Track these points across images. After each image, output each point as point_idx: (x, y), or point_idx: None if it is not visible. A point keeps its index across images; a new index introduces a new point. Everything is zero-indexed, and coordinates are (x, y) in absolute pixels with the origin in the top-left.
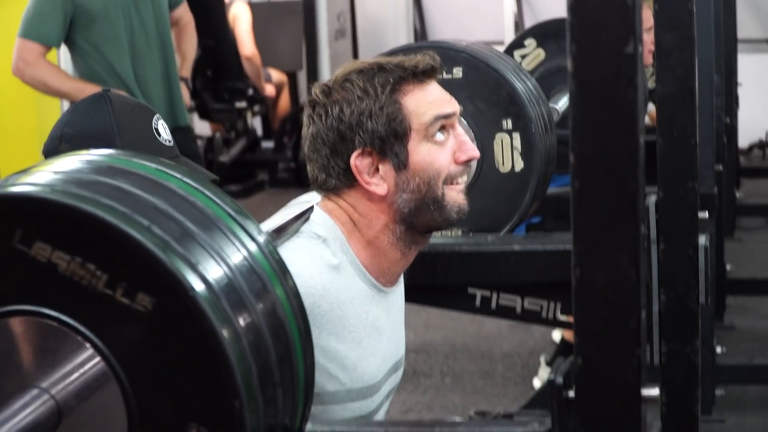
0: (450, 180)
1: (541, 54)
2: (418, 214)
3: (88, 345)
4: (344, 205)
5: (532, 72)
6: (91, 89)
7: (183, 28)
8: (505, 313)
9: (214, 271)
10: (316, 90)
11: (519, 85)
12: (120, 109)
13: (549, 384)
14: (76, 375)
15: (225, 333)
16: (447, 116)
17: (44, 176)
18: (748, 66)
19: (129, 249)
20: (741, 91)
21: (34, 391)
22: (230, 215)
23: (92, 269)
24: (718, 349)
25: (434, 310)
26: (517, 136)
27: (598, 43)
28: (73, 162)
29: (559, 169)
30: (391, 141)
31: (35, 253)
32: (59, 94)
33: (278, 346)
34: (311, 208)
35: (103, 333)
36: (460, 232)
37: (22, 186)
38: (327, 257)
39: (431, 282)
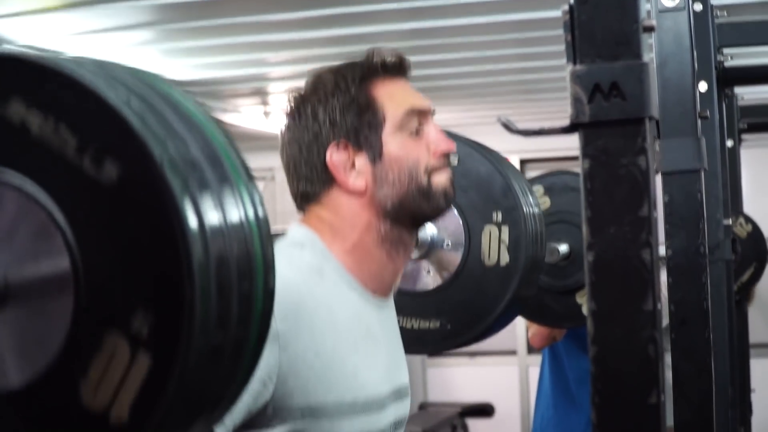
0: (433, 170)
1: (546, 202)
2: (403, 207)
3: (44, 215)
4: (323, 213)
5: None
6: None
7: None
8: None
9: (185, 155)
10: (289, 96)
11: (513, 180)
12: None
13: None
14: (29, 250)
15: (190, 216)
16: (422, 111)
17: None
18: (759, 370)
19: (104, 113)
20: (754, 397)
21: None
22: (220, 140)
23: (63, 130)
24: None
25: None
26: (506, 229)
27: (622, 394)
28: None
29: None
30: (365, 132)
31: (11, 112)
32: None
33: (240, 257)
34: (286, 230)
35: (64, 204)
36: (438, 324)
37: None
38: (308, 260)
39: None
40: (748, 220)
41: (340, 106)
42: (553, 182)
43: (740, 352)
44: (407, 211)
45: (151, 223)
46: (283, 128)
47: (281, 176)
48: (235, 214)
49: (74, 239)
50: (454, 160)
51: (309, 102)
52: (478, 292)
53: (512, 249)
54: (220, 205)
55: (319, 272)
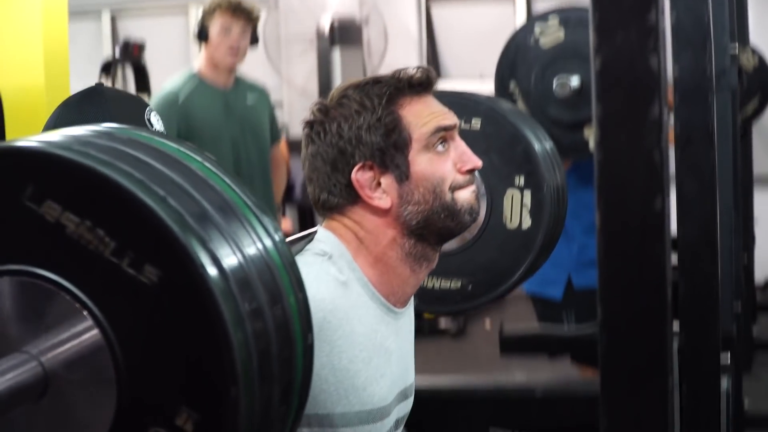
0: (458, 187)
1: (560, 35)
2: (428, 225)
3: (85, 313)
4: (349, 223)
5: (546, 50)
6: None
7: (277, 161)
8: None
9: (227, 254)
10: (313, 109)
11: (536, 144)
12: (112, 100)
13: None
14: (68, 344)
15: (230, 317)
16: (447, 128)
17: (62, 138)
18: (764, 202)
19: (142, 218)
20: (757, 229)
21: (23, 356)
22: (248, 205)
23: (101, 235)
24: None
25: None
26: (528, 193)
27: (626, 199)
28: (92, 129)
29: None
30: (391, 152)
31: (44, 212)
32: None
33: (280, 341)
34: (316, 231)
35: (103, 303)
36: (459, 284)
37: (39, 142)
38: (334, 273)
39: (450, 425)
40: (755, 53)
41: (366, 126)
42: (569, 16)
43: (744, 182)
44: (432, 229)
45: (194, 324)
46: (306, 138)
47: (284, 2)
48: (279, 311)
49: (114, 334)
50: (477, 123)
51: (335, 119)
52: (499, 255)
53: (534, 213)
54: (263, 305)
55: (345, 285)
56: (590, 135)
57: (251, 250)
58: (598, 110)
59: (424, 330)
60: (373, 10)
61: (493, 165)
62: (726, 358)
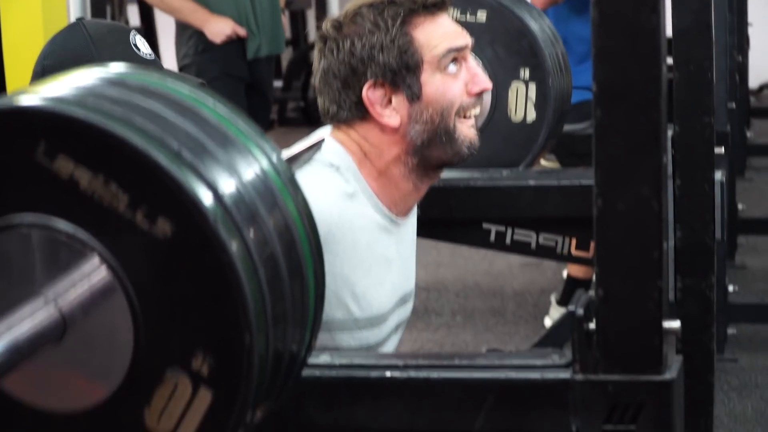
0: (462, 112)
1: None
2: (431, 146)
3: (100, 261)
4: (355, 136)
5: None
6: (214, 20)
7: None
8: (520, 249)
9: (241, 208)
10: (326, 25)
11: (540, 35)
12: (95, 32)
13: (569, 316)
14: (86, 290)
15: (243, 267)
16: (459, 49)
17: (75, 91)
18: (758, 6)
19: (155, 173)
20: (751, 32)
21: (41, 302)
22: (266, 153)
23: (114, 189)
24: (730, 288)
25: (445, 248)
26: (533, 86)
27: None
28: (104, 78)
29: None
30: (403, 73)
31: (58, 168)
32: (185, 20)
33: (294, 285)
34: (323, 140)
35: (118, 253)
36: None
37: (51, 99)
38: (341, 185)
39: (445, 217)
40: None
41: (379, 45)
42: None
43: None
44: (433, 150)
45: (207, 275)
46: (319, 53)
47: None
48: (293, 255)
49: (130, 284)
50: (483, 17)
51: (348, 36)
52: (504, 147)
53: (539, 107)
54: (276, 252)
55: (351, 196)
56: None
57: (262, 192)
58: None
59: None
60: None
61: (499, 58)
62: (720, 151)
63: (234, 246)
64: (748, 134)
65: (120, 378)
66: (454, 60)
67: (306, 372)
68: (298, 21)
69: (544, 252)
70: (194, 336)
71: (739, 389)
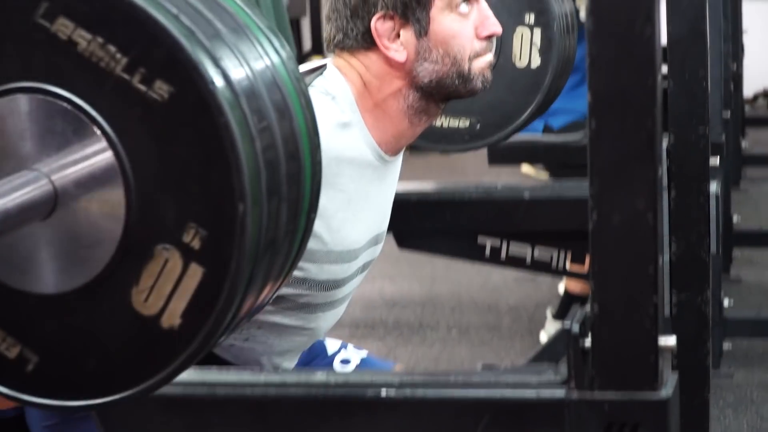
0: (476, 56)
1: None
2: (439, 86)
3: (96, 129)
4: (356, 64)
5: None
6: None
7: None
8: (516, 263)
9: (237, 72)
10: None
11: None
12: None
13: (564, 332)
14: (79, 162)
15: (239, 132)
16: None
17: None
18: (753, 13)
19: (153, 33)
20: (745, 39)
21: (32, 174)
22: (259, 27)
23: (112, 51)
24: (726, 302)
25: (440, 262)
26: (537, 31)
27: None
28: None
29: None
30: (413, 5)
31: (57, 29)
32: None
33: (289, 160)
34: (325, 65)
35: (113, 119)
36: (468, 123)
37: None
38: (336, 114)
39: (440, 230)
40: None
41: None
42: None
43: None
44: (442, 90)
45: (203, 139)
46: None
47: None
48: (288, 131)
49: (124, 152)
50: None
51: None
52: (508, 94)
53: (543, 52)
54: (272, 124)
55: (344, 126)
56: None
57: (261, 67)
58: None
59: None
60: None
61: (503, 1)
62: (715, 161)
63: (231, 109)
64: (743, 144)
65: (108, 256)
66: (466, 0)
67: (301, 391)
68: (293, 29)
69: (539, 266)
70: (187, 207)
71: (734, 405)
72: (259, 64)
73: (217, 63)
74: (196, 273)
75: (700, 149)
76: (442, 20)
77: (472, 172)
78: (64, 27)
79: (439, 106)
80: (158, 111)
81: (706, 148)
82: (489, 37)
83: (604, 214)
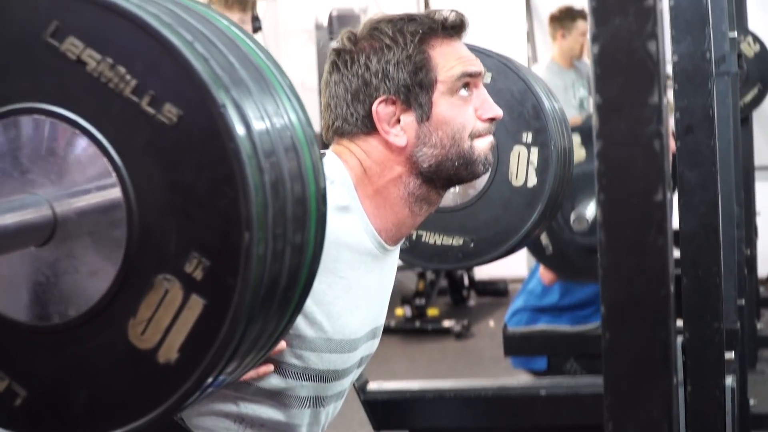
0: (477, 135)
1: (582, 153)
2: (440, 169)
3: (101, 154)
4: (356, 150)
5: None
6: None
7: None
8: None
9: (248, 102)
10: (342, 38)
11: (545, 102)
12: None
13: None
14: (82, 187)
15: (249, 159)
16: (473, 74)
17: None
18: (766, 194)
19: (165, 56)
20: (759, 221)
21: (33, 197)
22: (270, 68)
23: (122, 72)
24: None
25: None
26: (535, 151)
27: (627, 190)
28: None
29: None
30: (416, 91)
31: (66, 49)
32: None
33: (296, 204)
34: (324, 153)
35: (120, 143)
36: (461, 241)
37: None
38: (335, 197)
39: (455, 426)
40: (756, 39)
41: (395, 61)
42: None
43: (745, 172)
44: (443, 174)
45: (211, 167)
46: (331, 66)
47: None
48: (293, 162)
49: (128, 177)
50: (487, 78)
51: (363, 50)
52: (503, 212)
53: (540, 171)
54: (281, 160)
55: (343, 210)
56: None
57: (271, 102)
58: (597, 98)
59: (427, 330)
60: (371, 2)
61: (502, 120)
62: (730, 354)
63: (241, 135)
64: (759, 325)
65: (105, 286)
66: (466, 85)
67: None
68: None
69: None
70: (191, 235)
71: None
72: (269, 100)
73: (229, 91)
74: (196, 305)
75: (715, 344)
76: (444, 104)
77: (488, 360)
78: (73, 47)
79: (440, 194)
80: (166, 135)
81: (721, 343)
82: (491, 120)
83: (618, 423)
